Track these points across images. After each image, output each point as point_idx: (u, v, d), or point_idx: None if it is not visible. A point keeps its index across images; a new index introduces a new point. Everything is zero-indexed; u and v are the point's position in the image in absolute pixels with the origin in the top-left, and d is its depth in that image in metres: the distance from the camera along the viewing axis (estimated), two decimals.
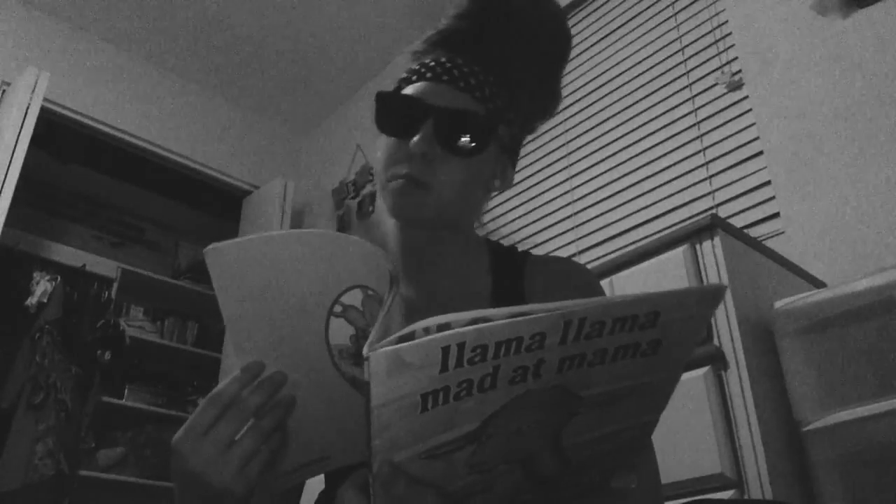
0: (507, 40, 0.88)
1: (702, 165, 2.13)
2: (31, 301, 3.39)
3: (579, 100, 2.61)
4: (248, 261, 0.63)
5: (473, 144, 0.82)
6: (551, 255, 0.96)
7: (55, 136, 3.60)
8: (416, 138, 0.80)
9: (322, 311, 0.65)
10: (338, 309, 0.65)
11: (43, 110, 3.07)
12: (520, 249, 0.97)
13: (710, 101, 2.18)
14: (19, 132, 2.88)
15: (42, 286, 3.45)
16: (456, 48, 0.88)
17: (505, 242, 0.99)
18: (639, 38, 2.49)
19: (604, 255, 2.28)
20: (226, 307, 0.63)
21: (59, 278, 3.54)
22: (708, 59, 2.23)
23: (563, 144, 2.59)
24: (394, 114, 0.84)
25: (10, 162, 2.81)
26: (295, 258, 0.63)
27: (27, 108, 2.94)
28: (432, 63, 0.86)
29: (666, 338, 0.54)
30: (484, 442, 0.55)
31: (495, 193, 0.94)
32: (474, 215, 0.93)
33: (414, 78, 0.86)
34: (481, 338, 0.48)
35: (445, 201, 0.82)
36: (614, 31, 2.59)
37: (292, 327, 0.64)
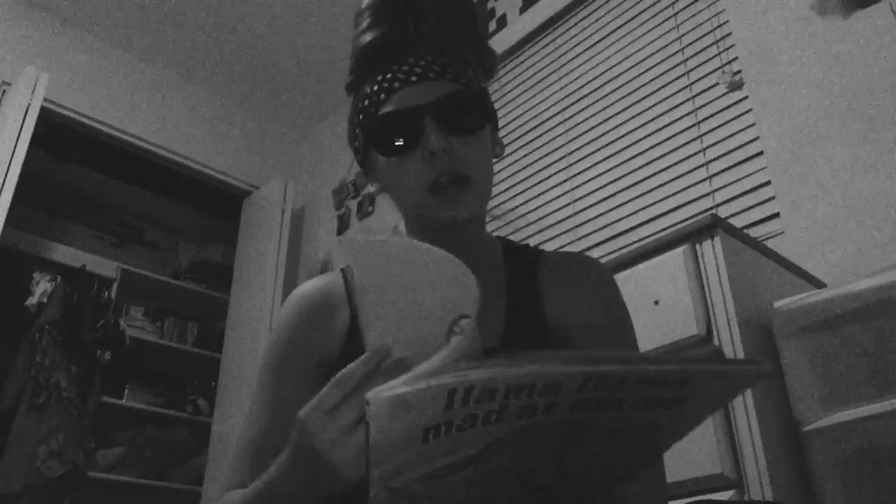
0: (428, 26, 0.87)
1: (702, 165, 2.13)
2: (31, 301, 3.39)
3: (579, 100, 2.61)
4: (385, 256, 0.65)
5: (477, 117, 0.84)
6: (564, 251, 0.97)
7: (55, 136, 3.60)
8: (427, 141, 0.81)
9: (443, 327, 0.66)
10: (457, 329, 0.66)
11: (43, 110, 3.07)
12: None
13: (710, 101, 2.17)
14: (19, 132, 2.88)
15: (42, 286, 3.45)
16: (395, 53, 0.86)
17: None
18: (639, 37, 2.49)
19: (604, 255, 2.27)
20: (362, 285, 0.65)
21: (59, 278, 3.54)
22: (708, 59, 2.23)
23: (563, 144, 2.59)
24: (390, 134, 0.83)
25: (10, 162, 2.81)
26: (429, 271, 0.65)
27: (27, 108, 2.94)
28: (390, 75, 0.85)
29: (692, 399, 0.51)
30: (484, 462, 0.54)
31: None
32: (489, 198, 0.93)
33: (382, 97, 0.85)
34: (491, 383, 0.46)
35: (484, 186, 0.85)
36: (614, 30, 2.59)
37: (418, 328, 0.65)
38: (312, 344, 0.88)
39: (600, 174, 2.43)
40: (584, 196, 2.45)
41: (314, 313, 0.90)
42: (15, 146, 2.84)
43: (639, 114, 2.38)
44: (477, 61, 0.91)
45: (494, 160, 0.91)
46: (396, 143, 0.83)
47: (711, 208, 2.05)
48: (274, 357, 0.89)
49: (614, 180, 2.37)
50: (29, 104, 2.95)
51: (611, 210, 2.34)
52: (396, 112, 0.83)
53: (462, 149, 0.82)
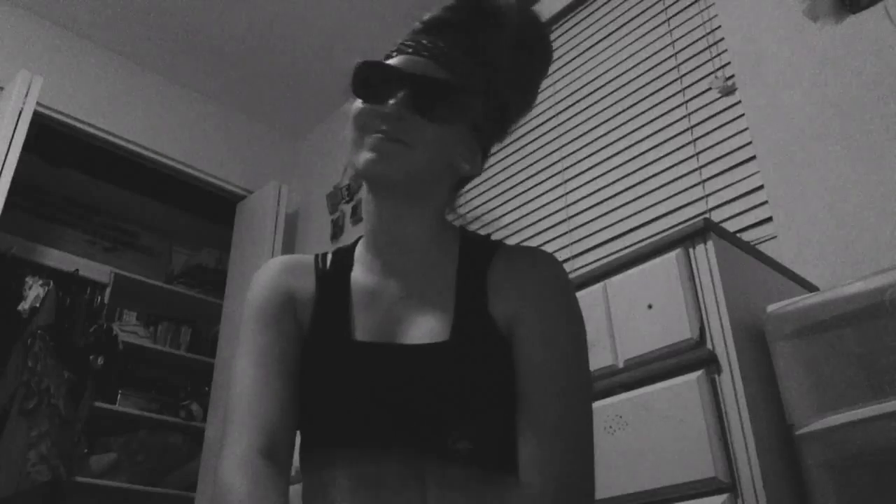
0: (491, 36, 0.91)
1: (695, 170, 2.14)
2: (24, 306, 3.37)
3: (573, 104, 2.61)
4: None
5: (447, 111, 0.86)
6: (523, 244, 0.97)
7: (48, 140, 3.59)
8: (391, 101, 0.84)
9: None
10: None
11: (36, 114, 3.06)
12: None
13: (703, 106, 2.18)
14: (12, 136, 2.87)
15: (34, 291, 3.43)
16: (441, 34, 0.91)
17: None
18: (632, 42, 2.50)
19: (597, 260, 2.28)
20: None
21: (51, 283, 3.52)
22: (701, 64, 2.24)
23: (558, 149, 2.59)
24: (372, 81, 0.87)
25: (3, 166, 2.79)
26: None
27: (20, 112, 2.93)
28: (412, 42, 0.90)
29: None
30: None
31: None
32: (441, 196, 0.93)
33: (394, 53, 0.90)
34: None
35: (418, 163, 0.85)
36: (608, 35, 2.60)
37: None
38: (289, 296, 0.92)
39: (594, 178, 2.43)
40: (578, 200, 2.45)
41: (288, 272, 0.95)
42: (7, 150, 2.83)
43: (632, 118, 2.39)
44: (520, 102, 0.95)
45: (466, 166, 0.92)
46: (371, 92, 0.86)
47: (704, 212, 2.06)
48: (255, 311, 0.91)
49: (608, 184, 2.38)
50: (22, 108, 2.94)
51: (604, 214, 2.35)
52: (388, 67, 0.87)
53: (418, 127, 0.85)
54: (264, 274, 0.95)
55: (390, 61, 0.89)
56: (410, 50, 0.89)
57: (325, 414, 0.84)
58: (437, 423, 0.79)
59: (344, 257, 0.97)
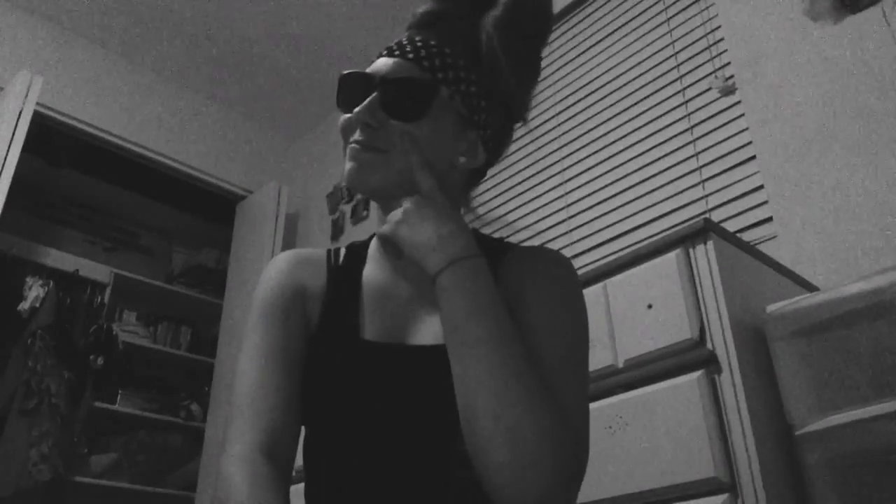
0: (483, 17, 0.88)
1: (695, 170, 2.14)
2: (24, 306, 3.38)
3: (573, 104, 2.61)
4: None
5: (418, 109, 0.83)
6: (533, 245, 0.95)
7: (48, 140, 3.59)
8: (358, 108, 0.84)
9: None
10: None
11: (36, 115, 3.06)
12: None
13: (703, 106, 2.18)
14: (12, 137, 2.87)
15: (34, 291, 3.43)
16: (429, 27, 0.89)
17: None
18: (632, 42, 2.50)
19: (597, 259, 2.28)
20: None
21: (51, 283, 3.52)
22: (701, 64, 2.24)
23: (558, 149, 2.60)
24: (350, 91, 0.86)
25: (3, 167, 2.80)
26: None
27: (20, 112, 2.93)
28: (397, 41, 0.88)
29: None
30: None
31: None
32: (446, 194, 0.89)
33: (374, 59, 0.89)
34: None
35: (398, 167, 0.84)
36: (608, 35, 2.60)
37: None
38: (299, 290, 0.91)
39: (594, 178, 2.43)
40: (578, 200, 2.45)
41: (299, 265, 0.94)
42: (7, 150, 2.83)
43: (632, 118, 2.39)
44: (521, 77, 0.90)
45: (463, 160, 0.88)
46: (345, 101, 0.87)
47: (704, 212, 2.06)
48: (263, 304, 0.90)
49: (608, 184, 2.38)
50: (22, 108, 2.94)
51: (604, 214, 2.35)
52: (358, 74, 0.87)
53: (393, 131, 0.83)
54: (274, 266, 0.94)
55: (370, 67, 0.88)
56: (385, 52, 0.88)
57: (330, 412, 0.84)
58: (443, 425, 0.78)
59: (357, 253, 0.96)
